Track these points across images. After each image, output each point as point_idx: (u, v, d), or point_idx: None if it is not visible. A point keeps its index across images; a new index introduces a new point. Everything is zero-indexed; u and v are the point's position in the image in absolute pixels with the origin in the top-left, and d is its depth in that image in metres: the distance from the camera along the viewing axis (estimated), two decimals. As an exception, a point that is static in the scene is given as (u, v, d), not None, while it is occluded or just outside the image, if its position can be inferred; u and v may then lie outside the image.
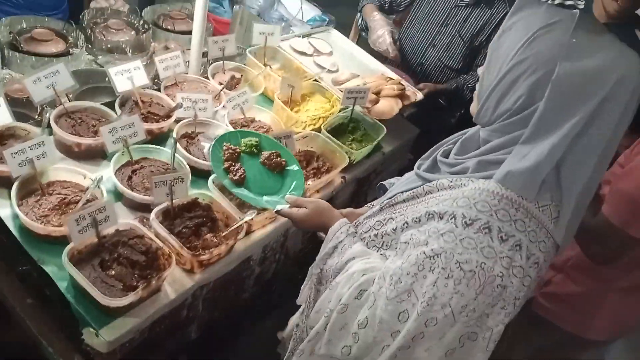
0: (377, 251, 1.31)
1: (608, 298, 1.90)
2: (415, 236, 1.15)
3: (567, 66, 1.05)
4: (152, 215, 1.54)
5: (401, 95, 2.45)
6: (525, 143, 1.11)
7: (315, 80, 2.41)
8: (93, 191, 1.57)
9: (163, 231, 1.50)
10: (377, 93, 2.40)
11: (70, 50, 2.33)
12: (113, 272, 1.42)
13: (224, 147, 1.66)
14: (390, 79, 2.53)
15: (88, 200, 1.54)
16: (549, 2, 1.19)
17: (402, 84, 2.49)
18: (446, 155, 1.34)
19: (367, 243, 1.34)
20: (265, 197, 1.61)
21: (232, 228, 1.62)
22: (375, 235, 1.32)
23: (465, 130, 1.34)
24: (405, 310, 1.11)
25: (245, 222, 1.63)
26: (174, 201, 1.59)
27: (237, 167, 1.63)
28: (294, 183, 1.69)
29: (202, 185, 1.77)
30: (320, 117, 2.21)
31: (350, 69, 2.63)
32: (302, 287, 1.51)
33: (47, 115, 1.69)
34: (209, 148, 1.64)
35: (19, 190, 1.47)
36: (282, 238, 1.93)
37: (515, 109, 1.12)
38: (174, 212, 1.61)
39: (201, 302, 1.66)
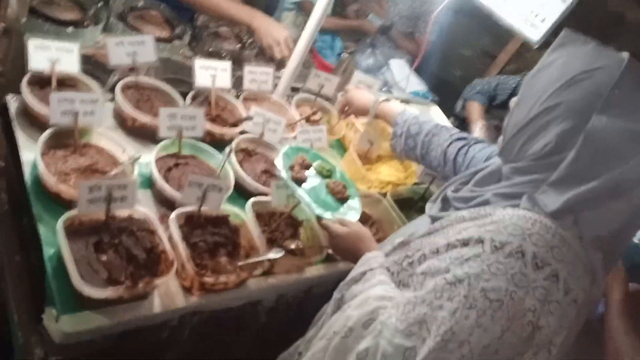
0: None
1: None
2: (434, 265, 1.02)
3: (603, 120, 0.96)
4: (173, 215, 1.36)
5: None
6: (551, 186, 1.01)
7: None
8: (126, 168, 1.42)
9: (177, 235, 1.32)
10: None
11: (174, 40, 2.31)
12: (105, 258, 1.23)
13: (299, 155, 1.63)
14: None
15: (116, 175, 1.40)
16: (597, 42, 1.06)
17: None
18: (458, 191, 1.24)
19: None
20: (315, 205, 1.50)
21: (252, 261, 1.40)
22: (392, 274, 1.18)
23: (477, 168, 1.28)
24: (412, 347, 0.94)
25: (269, 259, 1.41)
26: (203, 209, 1.42)
27: (301, 171, 1.58)
28: (348, 212, 1.57)
29: (241, 208, 1.60)
30: (390, 183, 2.00)
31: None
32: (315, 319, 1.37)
33: (114, 78, 1.60)
34: (286, 148, 1.65)
35: (51, 138, 1.35)
36: (302, 294, 1.67)
37: (542, 154, 1.03)
38: (198, 220, 1.43)
39: (187, 331, 1.43)
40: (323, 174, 1.65)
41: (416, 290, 1.03)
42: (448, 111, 3.21)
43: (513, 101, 1.14)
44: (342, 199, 1.59)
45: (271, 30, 2.16)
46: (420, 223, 1.32)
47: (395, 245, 1.24)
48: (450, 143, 1.61)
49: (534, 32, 2.27)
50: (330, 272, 1.65)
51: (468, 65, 3.52)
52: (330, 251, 1.63)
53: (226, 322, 1.51)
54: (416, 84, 3.07)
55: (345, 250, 1.39)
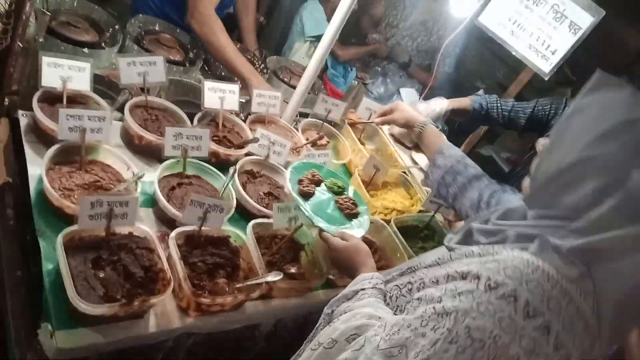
0: None
1: None
2: (430, 293, 1.00)
3: None
4: (173, 234, 1.37)
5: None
6: (574, 231, 0.95)
7: (404, 172, 2.21)
8: (129, 185, 1.44)
9: (176, 254, 1.32)
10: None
11: (187, 64, 2.36)
12: (102, 275, 1.23)
13: (311, 171, 1.66)
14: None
15: (119, 192, 1.41)
16: (633, 86, 0.99)
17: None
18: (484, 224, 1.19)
19: None
20: (318, 218, 1.51)
21: (250, 283, 1.39)
22: (391, 297, 1.19)
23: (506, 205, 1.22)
24: None
25: (267, 282, 1.40)
26: (203, 229, 1.42)
27: (310, 185, 1.60)
28: (354, 228, 1.57)
29: (242, 230, 1.60)
30: (394, 210, 1.98)
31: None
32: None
33: (123, 97, 1.63)
34: (298, 162, 1.67)
35: (57, 154, 1.37)
36: (302, 320, 1.65)
37: (576, 209, 0.96)
38: (198, 240, 1.43)
39: (184, 353, 1.41)
40: (334, 190, 1.65)
41: (408, 314, 1.02)
42: (458, 143, 3.20)
43: (541, 143, 1.11)
44: (351, 215, 1.58)
45: None
46: (435, 253, 1.30)
47: (404, 270, 1.23)
48: (488, 187, 1.58)
49: (545, 64, 2.27)
50: (331, 297, 1.62)
51: (480, 97, 3.53)
52: (331, 276, 1.61)
53: (223, 345, 1.49)
54: (426, 112, 3.08)
55: (341, 263, 1.39)
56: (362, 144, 2.28)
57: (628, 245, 0.91)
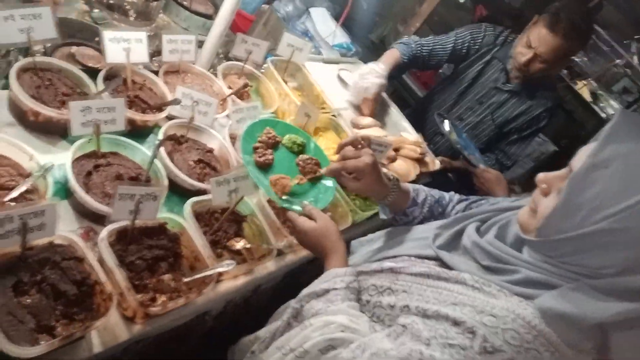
0: None
1: None
2: (417, 326, 0.94)
3: None
4: (104, 234, 1.17)
5: (419, 160, 2.18)
6: (596, 288, 0.88)
7: (334, 115, 2.10)
8: (37, 181, 1.18)
9: (112, 261, 1.13)
10: (396, 150, 2.12)
11: (66, -7, 1.94)
12: (29, 301, 1.03)
13: (265, 130, 1.45)
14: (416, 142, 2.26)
15: (27, 192, 1.16)
16: None
17: (422, 148, 2.22)
18: (479, 231, 1.12)
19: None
20: (278, 195, 1.36)
21: (201, 276, 1.26)
22: (368, 301, 1.11)
23: (497, 207, 1.19)
24: None
25: (218, 272, 1.29)
26: (136, 221, 1.23)
27: (267, 152, 1.42)
28: (319, 196, 1.43)
29: (175, 207, 1.43)
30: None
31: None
32: (269, 319, 1.33)
33: (10, 65, 1.29)
34: (249, 124, 1.44)
35: None
36: (250, 294, 1.58)
37: (600, 274, 0.89)
38: (132, 234, 1.24)
39: (131, 358, 1.28)
40: (294, 149, 1.49)
41: (391, 335, 0.97)
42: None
43: (541, 179, 0.97)
44: (315, 179, 1.44)
45: None
46: (418, 247, 1.20)
47: (384, 268, 1.15)
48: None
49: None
50: (279, 267, 1.56)
51: (392, 17, 3.39)
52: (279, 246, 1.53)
53: (172, 339, 1.38)
54: (339, 36, 2.91)
55: (309, 246, 1.30)
56: (285, 82, 2.10)
57: None
